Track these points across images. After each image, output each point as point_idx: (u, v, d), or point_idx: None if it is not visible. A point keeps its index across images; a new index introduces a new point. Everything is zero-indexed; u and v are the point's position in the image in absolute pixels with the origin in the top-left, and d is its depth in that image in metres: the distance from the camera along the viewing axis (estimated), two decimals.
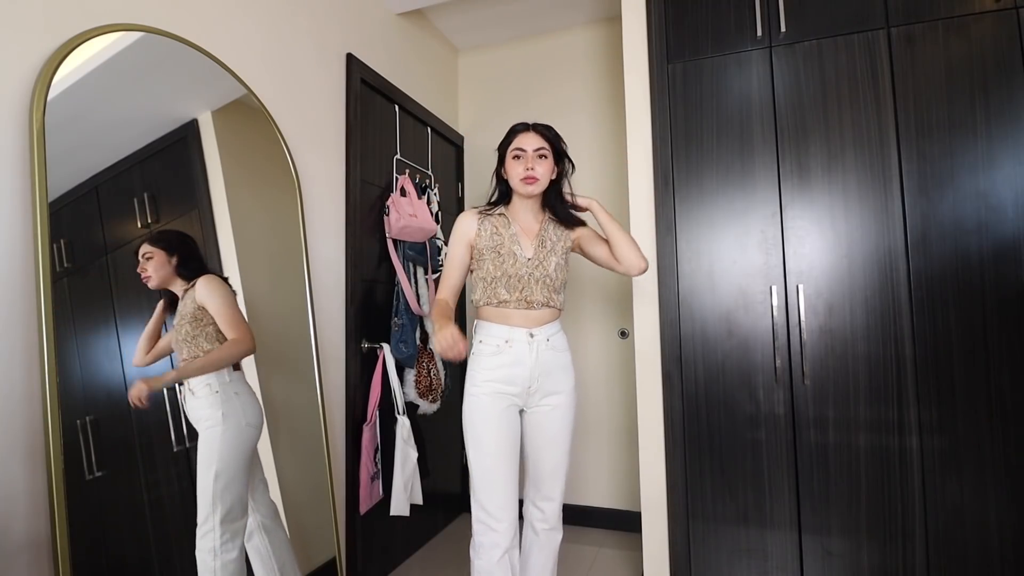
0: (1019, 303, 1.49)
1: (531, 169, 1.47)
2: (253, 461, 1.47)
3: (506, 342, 1.45)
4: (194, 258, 1.41)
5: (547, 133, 1.51)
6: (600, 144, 2.62)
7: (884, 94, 1.62)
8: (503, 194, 1.59)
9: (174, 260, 1.36)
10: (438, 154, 2.65)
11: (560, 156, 1.53)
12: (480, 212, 1.56)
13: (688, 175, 1.80)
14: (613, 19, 2.62)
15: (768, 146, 1.72)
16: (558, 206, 1.56)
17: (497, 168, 1.59)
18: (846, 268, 1.64)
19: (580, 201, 1.57)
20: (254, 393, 1.49)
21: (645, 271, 1.52)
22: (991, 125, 1.53)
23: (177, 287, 1.38)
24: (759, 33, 1.74)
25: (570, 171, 1.58)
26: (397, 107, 2.32)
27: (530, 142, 1.48)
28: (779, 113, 1.71)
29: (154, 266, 1.32)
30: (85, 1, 1.20)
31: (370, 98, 2.16)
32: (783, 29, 1.71)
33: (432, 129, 2.59)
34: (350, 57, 2.03)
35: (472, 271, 1.55)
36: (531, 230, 1.55)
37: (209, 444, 1.35)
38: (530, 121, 1.55)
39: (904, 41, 1.61)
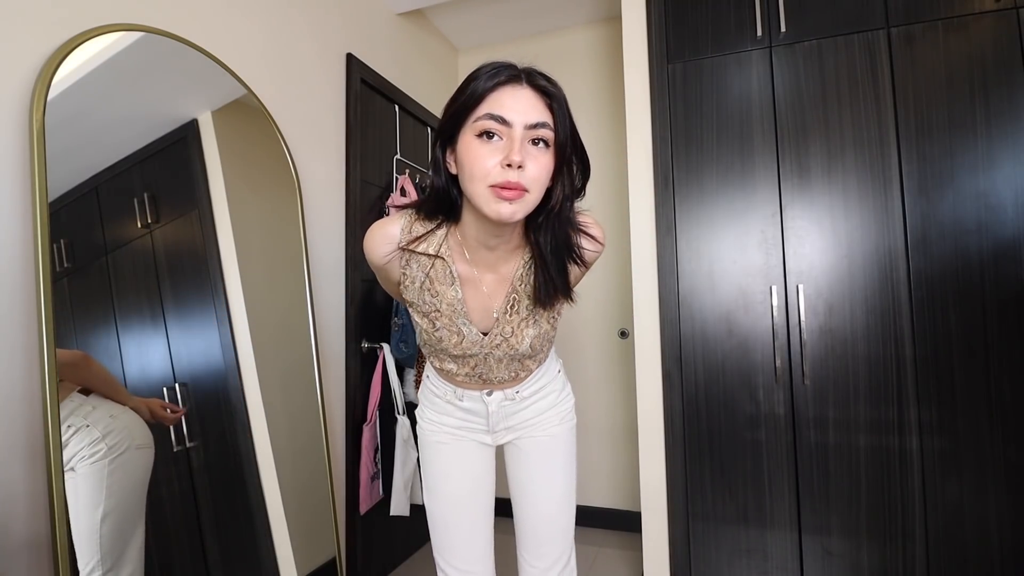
0: (1019, 303, 1.49)
1: (518, 167, 0.78)
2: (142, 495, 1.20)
3: (455, 394, 1.07)
4: None
5: (554, 93, 0.82)
6: (600, 144, 2.62)
7: (884, 94, 1.62)
8: (445, 204, 0.90)
9: None
10: None
11: (570, 148, 0.86)
12: (403, 247, 0.92)
13: (688, 175, 1.80)
14: (613, 19, 2.62)
15: (768, 146, 1.72)
16: (557, 239, 0.89)
17: (438, 152, 0.89)
18: (846, 268, 1.63)
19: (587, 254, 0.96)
20: (131, 411, 1.24)
21: None
22: (991, 125, 1.53)
23: None
24: (759, 33, 1.74)
25: (578, 182, 0.91)
26: (397, 107, 2.32)
27: (521, 106, 0.80)
28: (779, 113, 1.71)
29: None
30: (85, 1, 1.20)
31: (370, 98, 2.16)
32: (783, 29, 1.71)
33: (432, 129, 2.59)
34: (350, 57, 2.03)
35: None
36: (495, 277, 0.95)
37: (96, 480, 1.13)
38: (520, 64, 0.83)
39: (904, 41, 1.61)
